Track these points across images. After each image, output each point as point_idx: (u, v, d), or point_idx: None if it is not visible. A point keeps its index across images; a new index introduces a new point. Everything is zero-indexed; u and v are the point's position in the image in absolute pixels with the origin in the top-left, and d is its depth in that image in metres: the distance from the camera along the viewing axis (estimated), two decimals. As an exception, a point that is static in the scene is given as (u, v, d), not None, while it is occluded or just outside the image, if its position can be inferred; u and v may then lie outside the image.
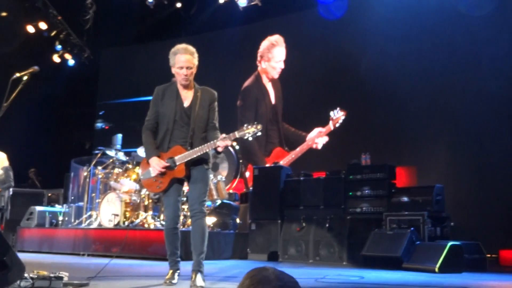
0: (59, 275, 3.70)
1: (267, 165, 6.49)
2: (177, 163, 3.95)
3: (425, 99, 8.91)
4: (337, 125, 6.46)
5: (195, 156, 3.92)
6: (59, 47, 13.00)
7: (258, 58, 6.40)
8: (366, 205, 6.78)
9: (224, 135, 3.89)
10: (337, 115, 6.40)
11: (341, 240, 6.64)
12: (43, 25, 12.58)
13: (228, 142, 3.89)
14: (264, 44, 6.26)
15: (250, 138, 4.04)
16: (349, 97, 8.09)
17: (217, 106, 4.21)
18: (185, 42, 4.17)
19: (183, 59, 3.98)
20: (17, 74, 4.54)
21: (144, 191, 8.01)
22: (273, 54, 6.14)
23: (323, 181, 7.23)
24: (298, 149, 7.07)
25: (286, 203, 7.43)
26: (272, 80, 6.50)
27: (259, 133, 3.92)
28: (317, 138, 6.73)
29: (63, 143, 13.05)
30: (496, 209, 8.06)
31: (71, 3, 12.54)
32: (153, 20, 12.48)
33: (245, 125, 3.98)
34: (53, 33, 12.86)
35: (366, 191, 6.82)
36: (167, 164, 3.94)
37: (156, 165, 3.93)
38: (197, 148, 3.92)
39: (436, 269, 5.24)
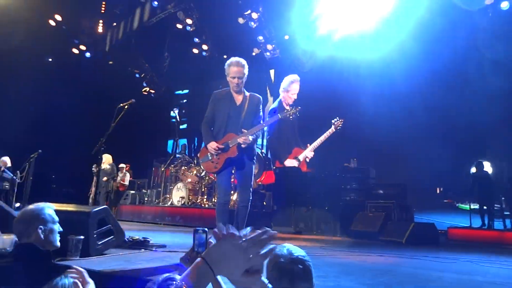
0: (147, 239, 3.76)
1: (288, 160, 6.36)
2: (230, 146, 3.50)
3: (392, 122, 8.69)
4: (339, 128, 6.28)
5: (244, 138, 3.46)
6: (145, 84, 13.31)
7: (280, 87, 6.31)
8: (353, 195, 6.69)
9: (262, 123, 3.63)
10: (338, 121, 6.27)
11: (335, 219, 6.55)
12: (136, 70, 12.94)
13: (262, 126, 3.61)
14: (287, 79, 6.16)
15: (290, 118, 3.79)
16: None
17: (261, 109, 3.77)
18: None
19: (236, 70, 3.55)
20: (121, 104, 4.63)
21: (202, 180, 8.10)
22: (291, 88, 6.03)
23: (324, 177, 7.15)
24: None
25: (297, 192, 7.35)
26: (288, 104, 6.48)
27: (298, 114, 3.70)
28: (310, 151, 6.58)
29: (147, 147, 13.22)
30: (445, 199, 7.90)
31: (154, 55, 12.82)
32: (208, 66, 12.58)
33: (286, 110, 3.75)
34: (142, 75, 13.16)
35: (354, 185, 6.73)
36: (222, 146, 3.51)
37: (213, 145, 3.51)
38: (246, 131, 3.48)
39: (403, 241, 5.13)
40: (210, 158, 3.59)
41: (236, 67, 3.57)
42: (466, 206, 8.01)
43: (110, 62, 12.85)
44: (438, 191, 8.57)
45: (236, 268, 0.89)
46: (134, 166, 12.19)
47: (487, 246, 5.59)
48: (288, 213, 7.20)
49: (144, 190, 10.08)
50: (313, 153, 6.41)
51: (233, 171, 3.73)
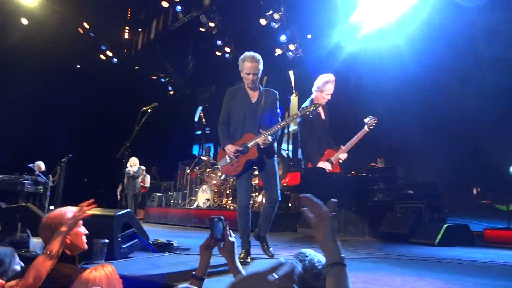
0: (171, 242, 3.78)
1: (321, 162, 6.19)
2: (250, 147, 3.33)
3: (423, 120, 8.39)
4: (372, 127, 6.04)
5: (264, 138, 3.27)
6: (170, 88, 13.51)
7: (314, 86, 6.08)
8: (381, 196, 6.47)
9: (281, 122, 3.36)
10: (371, 120, 6.03)
11: (363, 220, 6.35)
12: (161, 74, 13.17)
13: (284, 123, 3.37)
14: (322, 79, 5.94)
15: (311, 116, 3.45)
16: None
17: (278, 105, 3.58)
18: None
19: (250, 65, 3.36)
20: (144, 108, 4.68)
21: (227, 182, 8.11)
22: (326, 88, 5.81)
23: (351, 178, 6.97)
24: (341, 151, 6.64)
25: (323, 194, 7.18)
26: (320, 104, 6.15)
27: (316, 111, 3.42)
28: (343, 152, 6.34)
29: (173, 150, 13.36)
30: (479, 198, 7.53)
31: (178, 58, 12.99)
32: (231, 68, 12.63)
33: (305, 107, 3.45)
34: (167, 79, 13.38)
35: (381, 185, 6.51)
36: (241, 148, 3.34)
37: (231, 148, 3.34)
38: (265, 132, 3.29)
39: (436, 243, 4.91)
40: (229, 161, 3.44)
41: (250, 63, 3.37)
42: (504, 207, 7.59)
43: (136, 67, 13.14)
44: (475, 192, 8.13)
45: None
46: (161, 169, 12.42)
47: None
48: (314, 215, 7.06)
49: (170, 193, 10.21)
50: (346, 154, 6.24)
51: (254, 172, 3.63)
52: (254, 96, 3.49)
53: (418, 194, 5.96)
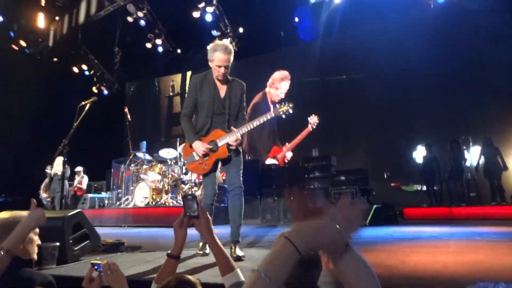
0: (122, 241, 3.70)
1: (269, 159, 6.40)
2: (219, 145, 3.11)
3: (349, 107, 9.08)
4: (314, 126, 6.40)
5: (236, 138, 3.09)
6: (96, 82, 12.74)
7: (269, 82, 6.13)
8: (317, 183, 6.96)
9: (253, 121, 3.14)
10: (313, 120, 6.39)
11: (302, 207, 6.76)
12: (84, 67, 12.33)
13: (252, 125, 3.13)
14: (277, 76, 6.01)
15: (284, 116, 3.21)
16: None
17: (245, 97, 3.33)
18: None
19: (223, 57, 3.06)
20: (83, 102, 4.43)
21: (165, 178, 8.00)
22: (281, 86, 5.91)
23: (288, 168, 7.35)
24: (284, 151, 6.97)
25: (263, 184, 7.50)
26: (273, 101, 6.26)
27: (291, 111, 3.19)
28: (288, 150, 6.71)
29: (101, 149, 12.63)
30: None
31: (104, 50, 12.29)
32: (162, 61, 12.34)
33: (278, 105, 3.24)
34: (91, 72, 12.58)
35: (317, 174, 7.00)
36: (210, 146, 3.11)
37: (200, 146, 3.10)
38: (235, 130, 3.10)
39: (367, 223, 5.49)
40: (197, 158, 3.19)
41: (223, 54, 3.06)
42: (411, 188, 8.68)
43: (55, 59, 12.12)
44: (385, 176, 9.15)
45: (331, 246, 0.78)
46: (89, 169, 11.67)
47: (439, 222, 6.13)
48: (254, 205, 7.33)
49: (103, 193, 9.73)
50: (291, 153, 6.51)
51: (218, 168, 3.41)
52: (222, 88, 3.23)
53: (350, 179, 6.55)
